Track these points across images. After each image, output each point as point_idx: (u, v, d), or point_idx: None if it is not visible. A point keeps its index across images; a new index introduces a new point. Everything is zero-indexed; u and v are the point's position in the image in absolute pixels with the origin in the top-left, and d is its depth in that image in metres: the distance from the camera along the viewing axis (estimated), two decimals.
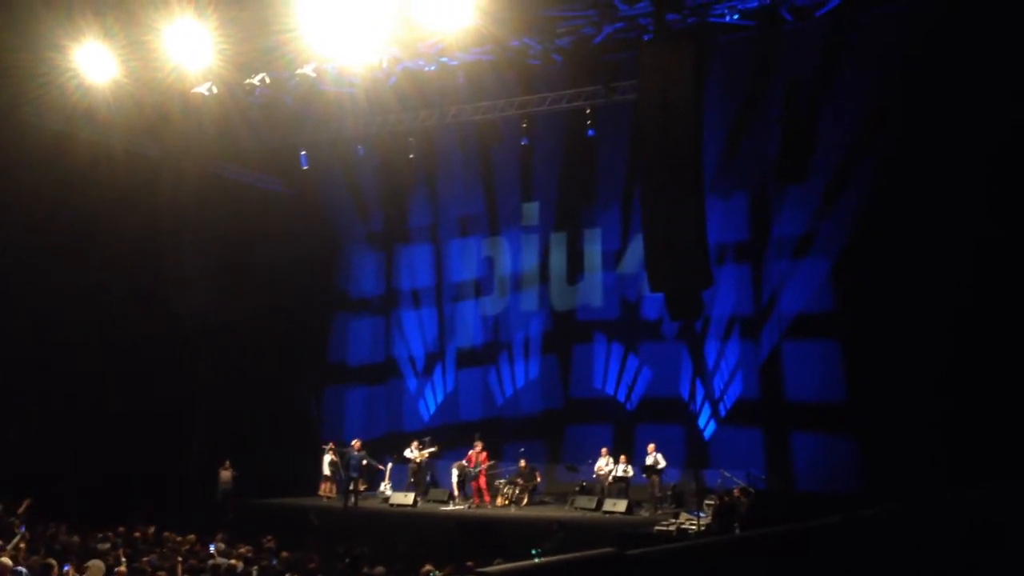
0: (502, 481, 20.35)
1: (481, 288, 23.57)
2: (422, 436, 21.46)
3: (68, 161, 19.04)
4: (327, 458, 21.75)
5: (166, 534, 15.52)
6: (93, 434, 19.60)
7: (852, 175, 18.60)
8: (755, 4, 16.94)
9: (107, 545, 14.03)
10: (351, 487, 20.27)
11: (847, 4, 16.78)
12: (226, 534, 16.00)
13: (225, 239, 21.92)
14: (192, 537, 15.14)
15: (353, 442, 20.92)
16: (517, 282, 23.10)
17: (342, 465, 20.81)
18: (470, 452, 20.21)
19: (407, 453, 20.97)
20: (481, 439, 20.39)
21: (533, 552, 15.77)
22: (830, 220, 18.96)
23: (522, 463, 20.29)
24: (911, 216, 17.32)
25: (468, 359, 23.56)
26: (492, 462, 20.40)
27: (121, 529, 15.50)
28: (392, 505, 20.16)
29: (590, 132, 19.61)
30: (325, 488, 21.72)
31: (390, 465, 21.52)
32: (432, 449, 20.91)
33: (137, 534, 15.35)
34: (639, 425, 20.84)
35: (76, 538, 14.63)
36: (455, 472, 20.20)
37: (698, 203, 16.77)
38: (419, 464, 20.84)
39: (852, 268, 18.57)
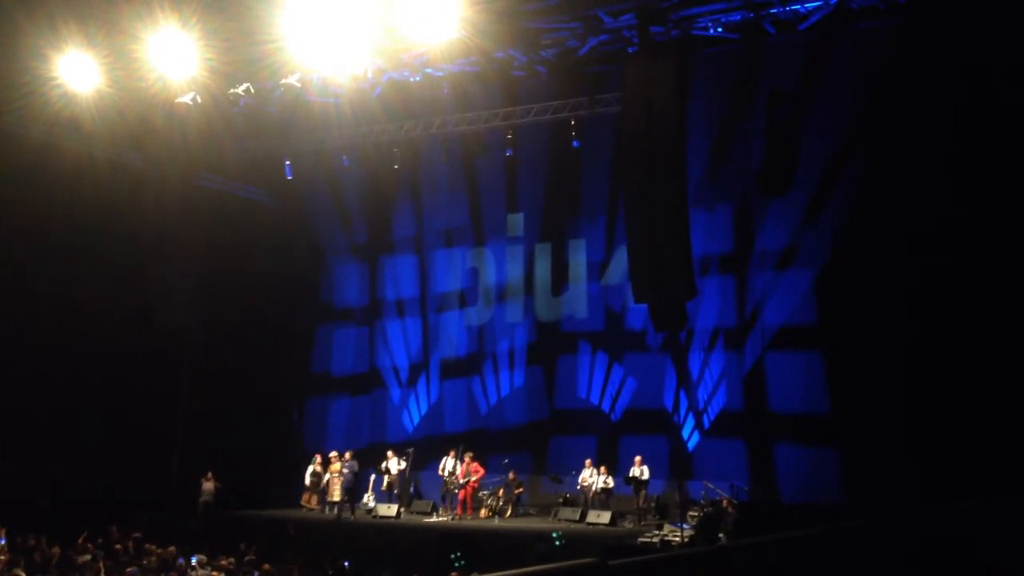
0: (486, 492, 20.30)
1: (466, 299, 23.56)
2: (405, 447, 21.40)
3: (51, 171, 18.97)
4: (310, 468, 21.68)
5: (147, 546, 15.42)
6: (75, 444, 19.47)
7: (835, 188, 18.70)
8: (738, 17, 17.04)
9: (87, 557, 13.94)
10: (346, 498, 20.38)
11: (830, 18, 16.90)
12: (204, 544, 15.92)
13: (209, 249, 21.83)
14: (173, 549, 15.04)
15: (346, 454, 20.95)
16: (501, 293, 23.09)
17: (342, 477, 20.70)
18: (458, 463, 20.15)
19: (389, 465, 20.86)
20: (468, 451, 20.35)
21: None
22: (813, 232, 19.05)
23: (511, 475, 20.26)
24: (893, 229, 17.41)
25: (452, 370, 23.51)
26: (478, 475, 20.35)
27: (101, 541, 15.40)
28: (375, 517, 20.08)
29: (575, 143, 19.67)
30: (306, 499, 21.63)
31: (373, 476, 21.43)
32: (402, 467, 20.78)
33: (118, 546, 15.25)
34: (623, 436, 20.83)
35: (56, 550, 14.52)
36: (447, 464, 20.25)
37: (682, 215, 16.84)
38: (394, 476, 20.76)
39: (835, 280, 18.65)
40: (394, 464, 20.76)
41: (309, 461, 21.92)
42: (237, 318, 22.37)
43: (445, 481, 20.19)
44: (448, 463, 20.21)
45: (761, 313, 19.64)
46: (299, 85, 19.33)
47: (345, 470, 20.45)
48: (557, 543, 15.99)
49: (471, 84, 19.99)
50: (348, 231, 25.02)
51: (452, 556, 14.87)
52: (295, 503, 21.68)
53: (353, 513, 20.26)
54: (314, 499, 21.55)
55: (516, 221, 23.04)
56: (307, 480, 21.68)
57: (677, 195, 16.73)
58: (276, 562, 14.30)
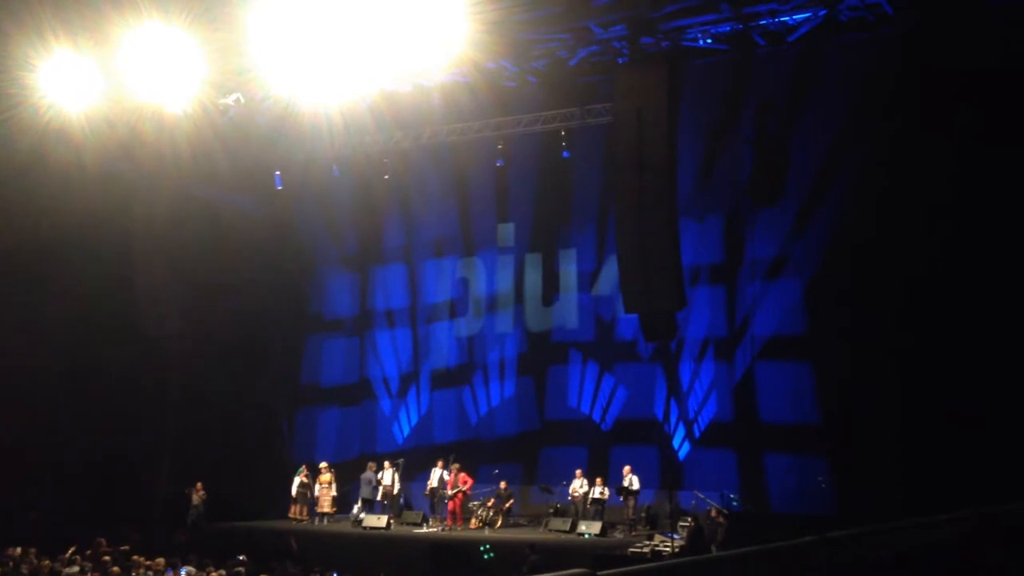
0: (476, 503, 20.25)
1: (456, 309, 23.53)
2: (396, 458, 21.36)
3: (40, 182, 18.90)
4: (297, 480, 21.59)
5: (135, 557, 15.34)
6: (63, 455, 19.39)
7: (824, 198, 18.76)
8: (727, 28, 17.11)
9: (76, 568, 13.88)
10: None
11: (819, 29, 16.96)
12: (192, 556, 15.85)
13: (198, 260, 21.79)
14: (161, 560, 14.97)
15: (370, 464, 21.28)
16: (492, 303, 23.06)
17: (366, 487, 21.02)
18: (446, 474, 20.09)
19: (383, 476, 20.83)
20: (457, 461, 20.31)
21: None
22: (802, 242, 19.10)
23: (503, 485, 20.20)
24: (882, 239, 17.46)
25: (443, 380, 23.46)
26: (466, 485, 20.28)
27: (89, 552, 15.32)
28: (365, 528, 20.02)
29: (565, 154, 19.70)
30: (294, 511, 21.53)
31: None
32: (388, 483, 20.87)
33: (106, 558, 15.17)
34: (614, 446, 20.82)
35: (46, 562, 14.45)
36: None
37: (672, 224, 16.89)
38: (388, 487, 20.74)
39: (825, 290, 18.68)
40: (388, 475, 20.75)
41: (296, 472, 21.84)
42: (227, 328, 22.31)
43: (432, 491, 20.14)
44: (435, 475, 20.18)
45: (751, 323, 19.66)
46: (289, 95, 19.30)
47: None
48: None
49: (462, 94, 19.98)
50: (338, 241, 24.97)
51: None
52: (284, 514, 21.58)
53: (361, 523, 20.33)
54: (305, 510, 21.46)
55: (506, 231, 23.05)
56: (294, 491, 21.60)
57: (667, 205, 16.78)
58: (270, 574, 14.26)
